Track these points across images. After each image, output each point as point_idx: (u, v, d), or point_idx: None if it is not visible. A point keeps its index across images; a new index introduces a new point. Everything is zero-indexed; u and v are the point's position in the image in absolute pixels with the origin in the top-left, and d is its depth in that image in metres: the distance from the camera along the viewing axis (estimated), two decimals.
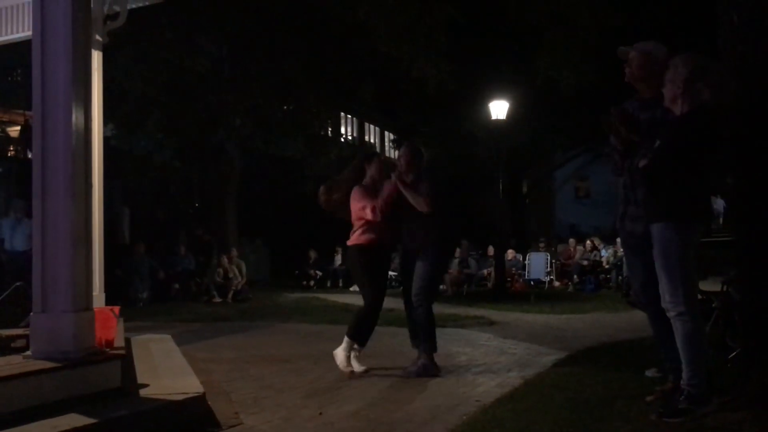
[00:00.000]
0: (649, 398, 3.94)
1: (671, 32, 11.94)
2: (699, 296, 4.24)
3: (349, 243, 5.55)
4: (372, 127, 34.31)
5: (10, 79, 15.52)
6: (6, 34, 6.10)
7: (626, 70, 4.13)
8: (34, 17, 4.00)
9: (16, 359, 3.82)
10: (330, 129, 22.16)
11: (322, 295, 14.55)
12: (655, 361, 4.67)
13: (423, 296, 5.31)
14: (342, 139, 28.97)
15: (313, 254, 18.32)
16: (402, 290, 5.66)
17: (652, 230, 3.69)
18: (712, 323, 4.97)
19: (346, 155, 25.34)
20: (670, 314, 3.64)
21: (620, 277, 15.04)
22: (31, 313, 3.89)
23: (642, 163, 3.67)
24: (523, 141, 17.26)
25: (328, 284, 17.88)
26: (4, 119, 17.66)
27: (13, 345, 4.14)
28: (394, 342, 7.09)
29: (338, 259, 18.43)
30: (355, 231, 5.48)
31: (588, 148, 22.28)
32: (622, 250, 15.15)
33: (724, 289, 5.33)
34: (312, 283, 17.74)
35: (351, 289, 16.84)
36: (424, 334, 5.35)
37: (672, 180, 3.62)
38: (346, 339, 5.32)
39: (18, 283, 5.50)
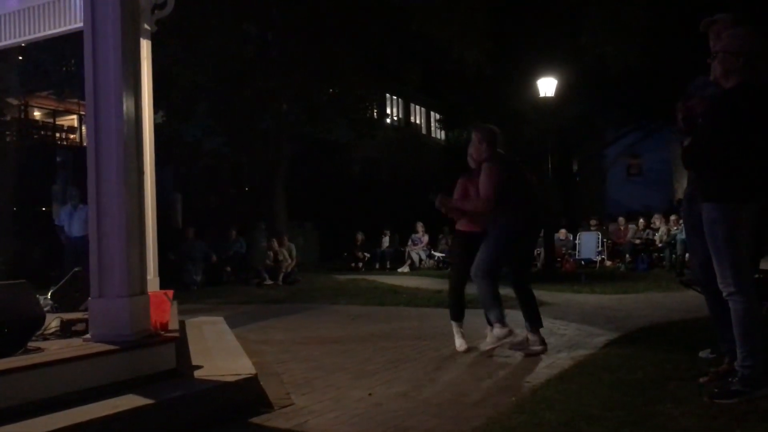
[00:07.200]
0: (702, 379, 3.86)
1: (725, 10, 11.49)
2: (757, 275, 4.11)
3: None
4: (418, 107, 34.19)
5: (64, 69, 15.93)
6: (60, 26, 6.25)
7: (711, 42, 3.98)
8: (85, 9, 4.09)
9: (76, 342, 3.96)
10: (376, 111, 22.17)
11: (370, 277, 14.62)
12: (709, 342, 4.59)
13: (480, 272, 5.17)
14: (388, 121, 28.98)
15: (360, 236, 18.43)
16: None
17: (702, 210, 3.61)
18: None
19: (391, 137, 25.38)
20: (724, 294, 3.56)
21: (674, 257, 14.73)
22: (89, 298, 4.02)
23: (687, 141, 3.56)
24: (572, 118, 16.93)
25: (376, 266, 17.98)
26: (60, 109, 18.22)
27: (74, 328, 4.28)
28: (442, 324, 7.12)
29: (386, 241, 18.51)
30: None
31: (640, 125, 21.76)
32: (675, 228, 15.00)
33: None
34: (360, 265, 17.88)
35: (399, 270, 16.94)
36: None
37: (716, 159, 3.49)
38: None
39: (76, 269, 5.69)
